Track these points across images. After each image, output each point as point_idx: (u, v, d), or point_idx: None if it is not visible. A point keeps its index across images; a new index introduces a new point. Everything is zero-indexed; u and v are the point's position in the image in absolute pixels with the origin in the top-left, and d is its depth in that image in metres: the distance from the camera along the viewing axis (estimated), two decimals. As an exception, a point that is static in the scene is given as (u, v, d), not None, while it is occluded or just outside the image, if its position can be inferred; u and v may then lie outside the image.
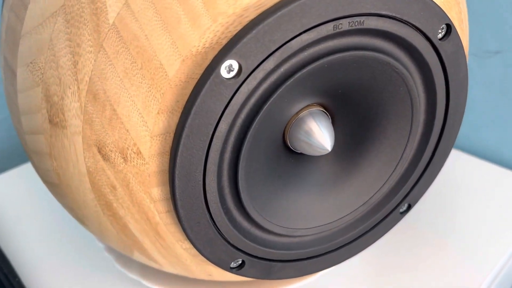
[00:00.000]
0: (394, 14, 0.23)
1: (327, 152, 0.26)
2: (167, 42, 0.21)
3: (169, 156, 0.23)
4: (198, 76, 0.22)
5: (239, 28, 0.21)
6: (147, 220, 0.26)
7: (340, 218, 0.29)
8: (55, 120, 0.24)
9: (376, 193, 0.30)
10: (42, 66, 0.23)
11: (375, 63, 0.25)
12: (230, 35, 0.21)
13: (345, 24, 0.22)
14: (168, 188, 0.24)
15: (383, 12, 0.23)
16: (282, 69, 0.22)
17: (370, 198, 0.30)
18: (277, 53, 0.22)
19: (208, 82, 0.21)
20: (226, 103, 0.22)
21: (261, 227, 0.27)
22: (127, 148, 0.23)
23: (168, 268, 0.30)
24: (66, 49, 0.22)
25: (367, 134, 0.28)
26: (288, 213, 0.28)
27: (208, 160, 0.23)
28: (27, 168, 0.52)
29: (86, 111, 0.23)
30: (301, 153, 0.28)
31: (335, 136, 0.27)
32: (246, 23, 0.21)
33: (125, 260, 0.36)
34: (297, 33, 0.22)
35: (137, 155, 0.23)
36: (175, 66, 0.21)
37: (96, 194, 0.25)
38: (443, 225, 0.44)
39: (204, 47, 0.21)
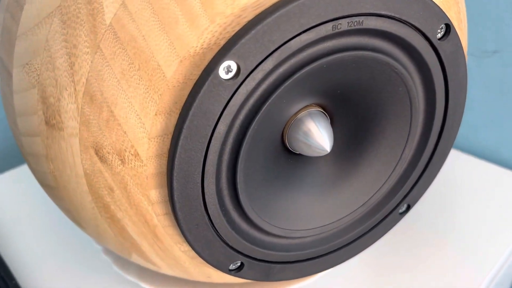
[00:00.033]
0: (393, 14, 0.23)
1: (326, 153, 0.26)
2: (165, 43, 0.21)
3: (167, 158, 0.23)
4: (196, 77, 0.21)
5: (237, 28, 0.21)
6: (145, 223, 0.25)
7: (340, 219, 0.29)
8: (52, 122, 0.24)
9: (375, 193, 0.30)
10: (38, 67, 0.23)
11: (374, 63, 0.25)
12: (228, 36, 0.21)
13: (344, 24, 0.22)
14: (166, 190, 0.24)
15: (382, 12, 0.23)
16: (281, 70, 0.22)
17: (369, 199, 0.30)
18: (276, 54, 0.21)
19: (206, 83, 0.21)
20: (224, 104, 0.22)
21: (260, 229, 0.27)
22: (125, 150, 0.23)
23: (167, 270, 0.30)
24: (62, 50, 0.22)
25: (366, 134, 0.28)
26: (287, 215, 0.28)
27: (206, 161, 0.23)
28: (24, 170, 0.52)
29: (83, 113, 0.23)
30: (300, 154, 0.28)
31: (334, 137, 0.27)
32: (245, 23, 0.21)
33: (123, 262, 0.36)
34: (296, 33, 0.21)
35: (135, 157, 0.23)
36: (173, 67, 0.21)
37: (93, 196, 0.25)
38: (442, 225, 0.44)
39: (202, 48, 0.21)
